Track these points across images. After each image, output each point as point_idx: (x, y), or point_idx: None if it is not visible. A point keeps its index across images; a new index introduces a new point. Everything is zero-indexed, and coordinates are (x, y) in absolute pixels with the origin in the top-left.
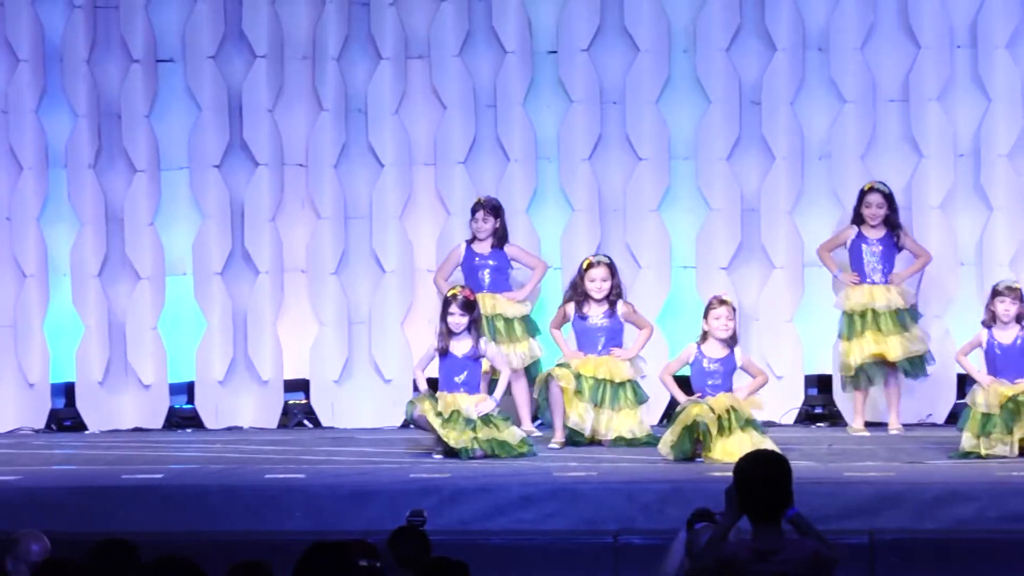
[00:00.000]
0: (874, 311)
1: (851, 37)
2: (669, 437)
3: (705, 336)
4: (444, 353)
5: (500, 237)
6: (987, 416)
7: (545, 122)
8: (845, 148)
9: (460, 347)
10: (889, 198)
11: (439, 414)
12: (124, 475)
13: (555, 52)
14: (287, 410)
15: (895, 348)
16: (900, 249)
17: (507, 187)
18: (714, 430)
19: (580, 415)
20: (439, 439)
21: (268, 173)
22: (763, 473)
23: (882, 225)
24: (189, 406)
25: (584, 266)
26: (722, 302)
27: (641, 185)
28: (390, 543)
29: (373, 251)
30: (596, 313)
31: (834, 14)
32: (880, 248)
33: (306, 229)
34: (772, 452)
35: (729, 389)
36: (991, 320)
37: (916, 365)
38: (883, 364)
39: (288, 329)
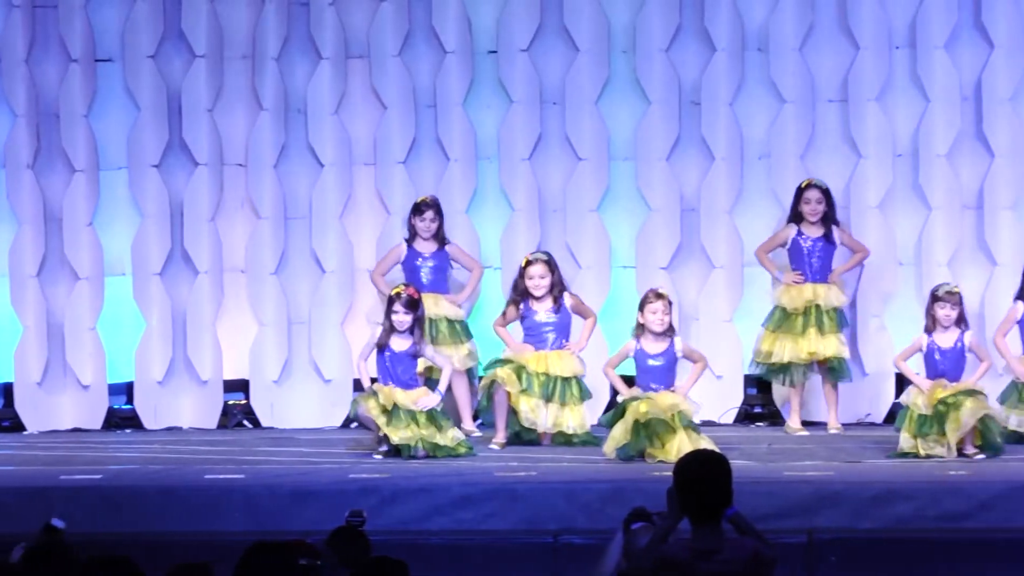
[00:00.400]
0: (817, 307)
1: (790, 38)
2: (618, 435)
3: (642, 329)
4: (382, 348)
5: (441, 237)
6: (924, 417)
7: (485, 122)
8: (784, 148)
9: (398, 344)
10: (827, 194)
11: (384, 411)
12: (63, 476)
13: (495, 52)
14: (227, 410)
15: (832, 346)
16: (837, 246)
17: (447, 187)
18: (662, 428)
19: (532, 410)
20: (380, 438)
21: (207, 173)
22: (703, 473)
23: (821, 223)
24: (128, 406)
25: (523, 264)
26: (658, 295)
27: (581, 185)
28: (330, 543)
29: (313, 251)
30: (542, 309)
31: (773, 15)
32: (820, 245)
33: (246, 229)
34: (712, 452)
35: (672, 382)
36: (932, 325)
37: (840, 369)
38: (813, 363)
39: (227, 329)
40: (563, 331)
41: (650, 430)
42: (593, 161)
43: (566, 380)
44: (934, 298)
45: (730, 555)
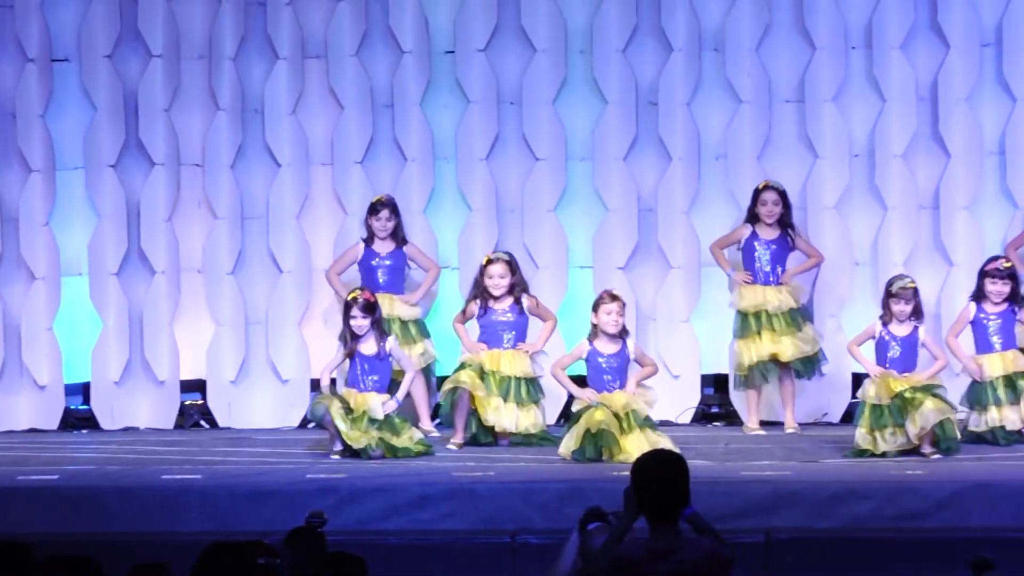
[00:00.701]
0: (767, 311)
1: (746, 38)
2: (570, 441)
3: (595, 331)
4: (352, 355)
5: (399, 237)
6: (879, 409)
7: (442, 122)
8: (741, 148)
9: (366, 348)
10: (784, 196)
11: (348, 412)
12: (19, 476)
13: (452, 52)
14: (183, 411)
15: (788, 348)
16: (792, 249)
17: (404, 187)
18: (617, 434)
19: (495, 411)
20: (338, 438)
21: (164, 173)
22: (660, 473)
23: (777, 225)
24: (85, 407)
25: (484, 263)
26: (613, 297)
27: (538, 185)
28: (287, 543)
29: (270, 251)
30: (500, 309)
31: (730, 15)
32: (774, 248)
33: (202, 229)
34: (669, 451)
35: (624, 383)
36: (888, 318)
37: (808, 365)
38: (776, 364)
39: (184, 329)
40: (520, 332)
41: (601, 440)
42: (550, 161)
43: (519, 380)
44: (888, 293)
45: (687, 555)
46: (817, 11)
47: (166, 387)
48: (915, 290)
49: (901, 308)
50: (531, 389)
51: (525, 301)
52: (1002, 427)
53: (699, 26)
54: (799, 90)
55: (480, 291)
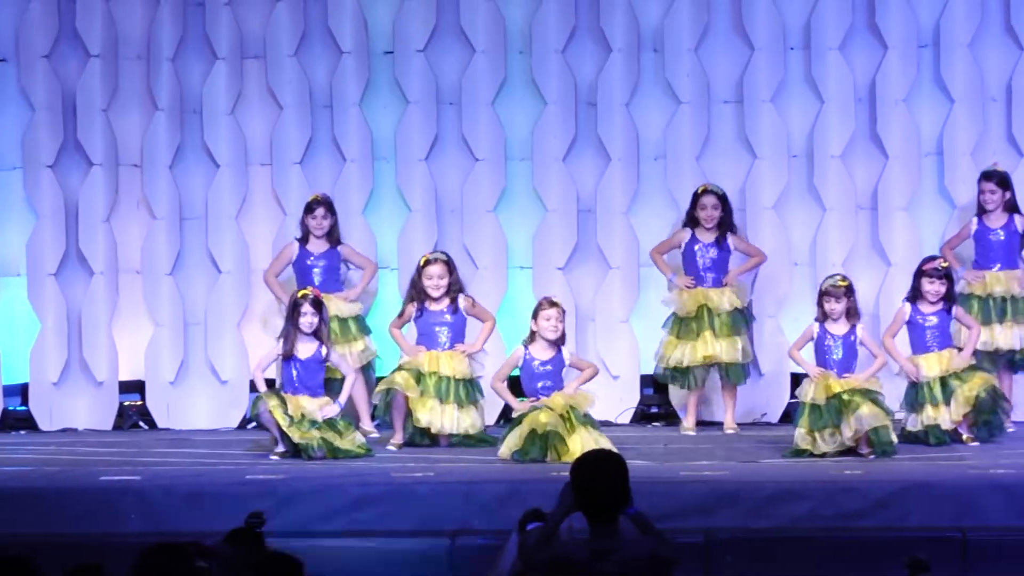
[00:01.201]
0: (709, 311)
1: (685, 38)
2: (512, 442)
3: (533, 337)
4: (289, 356)
5: (334, 237)
6: (818, 409)
7: (381, 123)
8: (680, 149)
9: (305, 350)
10: (723, 200)
11: (286, 414)
12: None
13: (391, 53)
14: (122, 411)
15: (727, 351)
16: (732, 252)
17: (343, 188)
18: (564, 434)
19: (430, 413)
20: (279, 438)
21: (103, 173)
22: (599, 472)
23: (716, 228)
24: (23, 408)
25: (421, 263)
26: (552, 303)
27: (477, 186)
28: (226, 544)
29: (209, 251)
30: (437, 310)
31: (668, 16)
32: (715, 251)
33: (141, 230)
34: (608, 451)
35: (560, 388)
36: (823, 317)
37: (739, 372)
38: (713, 365)
39: (123, 330)
40: (458, 333)
41: (547, 441)
42: (490, 162)
43: (458, 381)
44: (822, 292)
45: (627, 555)
46: (755, 12)
47: (104, 388)
48: (848, 288)
49: (832, 306)
50: (470, 390)
51: (462, 302)
52: (936, 426)
53: (638, 27)
54: (738, 91)
55: (417, 292)
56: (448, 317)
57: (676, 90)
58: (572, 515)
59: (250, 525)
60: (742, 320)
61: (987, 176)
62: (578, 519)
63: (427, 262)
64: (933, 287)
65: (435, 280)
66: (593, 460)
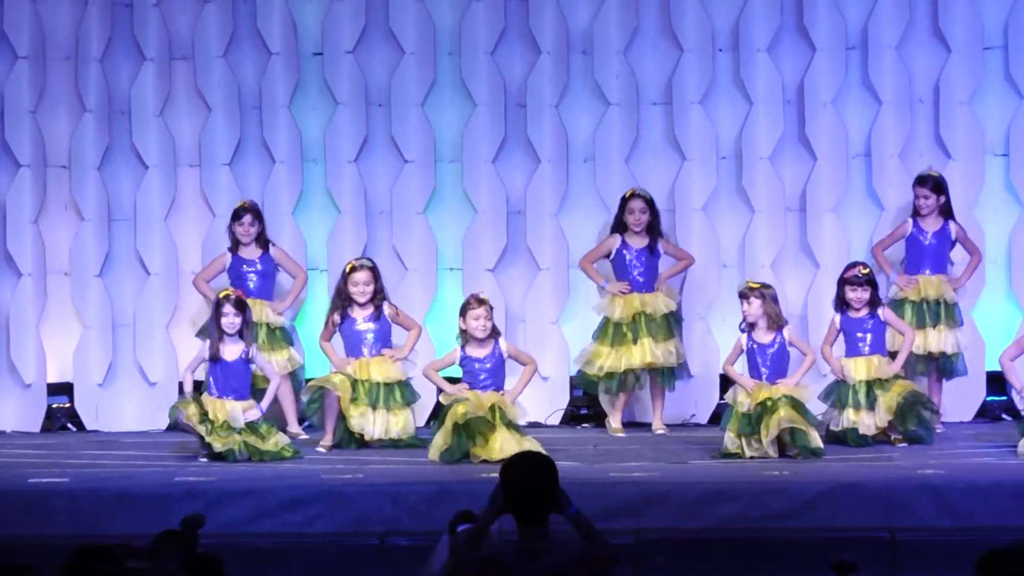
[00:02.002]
0: (644, 316)
1: (614, 40)
2: (440, 440)
3: (465, 336)
4: (215, 359)
5: (263, 241)
6: (746, 416)
7: (311, 124)
8: (609, 151)
9: (231, 352)
10: (651, 204)
11: (204, 419)
12: None
13: (320, 54)
14: (50, 414)
15: (661, 355)
16: (661, 256)
17: (273, 189)
18: (485, 426)
19: (361, 416)
20: (200, 444)
21: (30, 175)
22: (528, 473)
23: (645, 232)
24: None
25: (347, 270)
26: (480, 301)
27: (407, 187)
28: (156, 546)
29: (137, 253)
30: (361, 317)
31: (597, 17)
32: (645, 256)
33: (69, 231)
34: (538, 453)
35: (502, 384)
36: (747, 327)
37: (670, 376)
38: (647, 369)
39: (51, 332)
40: (383, 339)
41: (470, 430)
42: (419, 163)
43: (389, 386)
44: (740, 295)
45: (559, 556)
46: (684, 14)
47: (32, 390)
48: (761, 292)
49: (745, 308)
50: (404, 393)
51: (386, 309)
52: (854, 429)
53: (567, 29)
54: (666, 92)
55: (342, 298)
56: (372, 324)
57: (605, 92)
58: (502, 517)
59: (188, 526)
60: (675, 323)
61: (921, 181)
62: (509, 521)
63: (353, 268)
64: (856, 295)
65: (361, 286)
66: (521, 462)
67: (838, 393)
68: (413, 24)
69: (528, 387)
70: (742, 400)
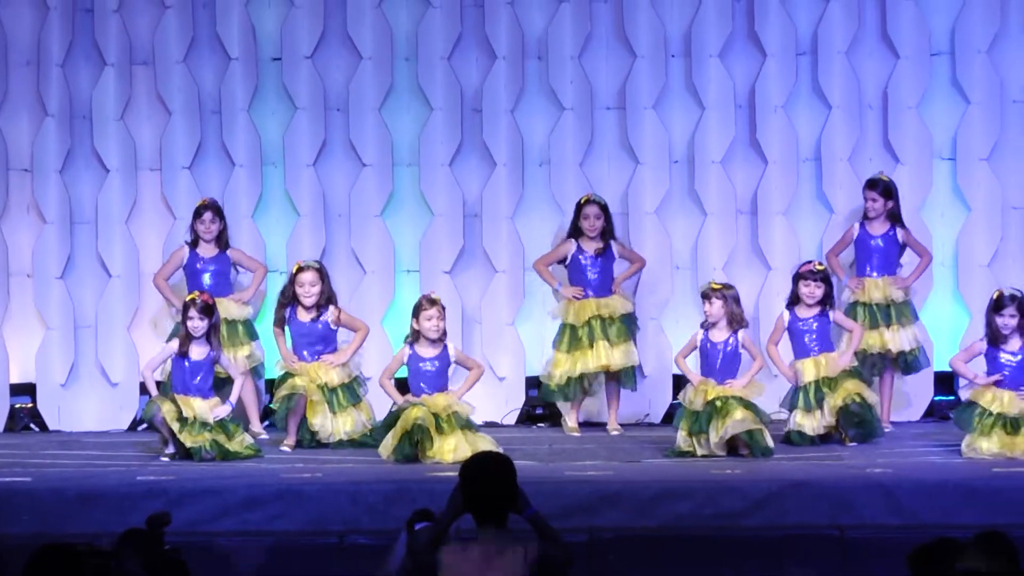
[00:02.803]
0: (601, 320)
1: (568, 46)
2: (389, 441)
3: (416, 336)
4: (183, 356)
5: (223, 241)
6: (697, 414)
7: (270, 128)
8: (564, 155)
9: (197, 352)
10: (605, 209)
11: (179, 417)
12: None
13: (279, 59)
14: (13, 414)
15: (619, 359)
16: (616, 259)
17: (232, 192)
18: (433, 431)
19: (322, 417)
20: (169, 440)
21: None
22: (486, 474)
23: (599, 237)
24: None
25: (294, 271)
26: (432, 302)
27: (365, 191)
28: (120, 544)
29: (99, 255)
30: (307, 318)
31: (552, 24)
32: (600, 260)
33: (31, 234)
34: (497, 454)
35: (445, 386)
36: (706, 322)
37: (630, 376)
38: (604, 372)
39: (14, 333)
40: (328, 341)
41: (414, 437)
42: (377, 167)
43: (333, 389)
44: (703, 296)
45: (514, 557)
46: (637, 20)
47: None
48: (723, 293)
49: (707, 309)
50: (347, 393)
51: (330, 314)
52: (799, 431)
53: (522, 34)
54: (620, 97)
55: (287, 298)
56: (317, 327)
57: (560, 97)
58: (461, 518)
59: (154, 524)
60: (632, 325)
61: (871, 184)
62: (467, 521)
63: (299, 269)
64: (809, 289)
65: (306, 287)
66: (480, 462)
67: (795, 397)
68: (370, 30)
69: (482, 388)
70: (693, 399)
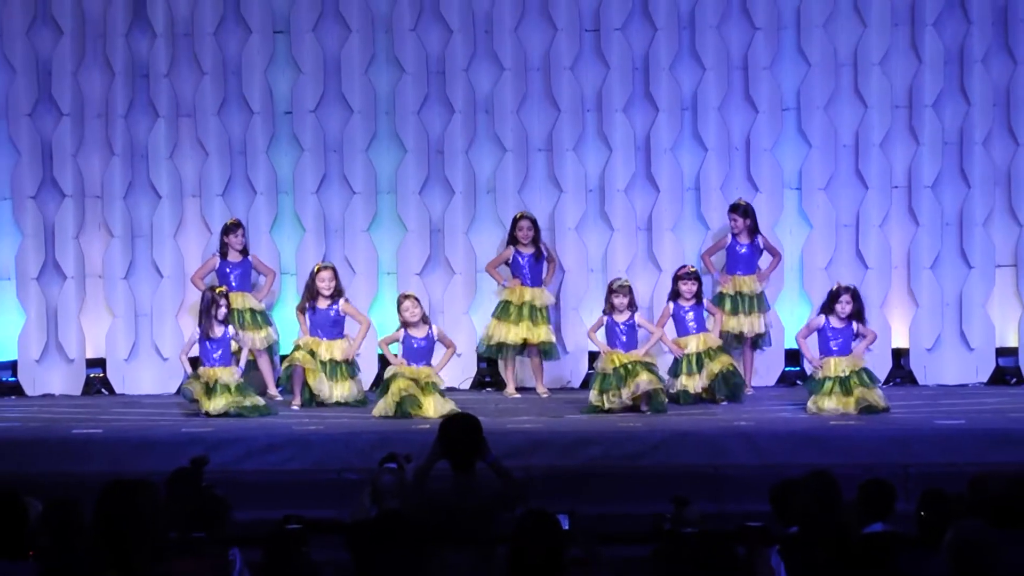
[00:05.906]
0: (530, 306)
1: (509, 102)
2: (382, 405)
3: (404, 323)
4: (207, 337)
5: (245, 250)
6: (607, 377)
7: (283, 165)
8: (506, 185)
9: (218, 332)
10: (534, 222)
11: (207, 390)
12: None
13: (290, 113)
14: (88, 381)
15: (541, 334)
16: (541, 259)
17: (255, 214)
18: (420, 397)
19: (319, 383)
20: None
21: (72, 203)
22: (461, 429)
23: (531, 244)
24: (12, 379)
25: (315, 269)
26: (407, 296)
27: (355, 212)
28: (170, 480)
29: (153, 261)
30: (324, 308)
31: (496, 86)
32: (531, 260)
33: (102, 245)
34: (468, 414)
35: (429, 361)
36: (610, 309)
37: (552, 350)
38: (526, 344)
39: (89, 320)
40: (338, 325)
41: (404, 405)
42: (364, 194)
43: (338, 364)
44: (610, 289)
45: (483, 492)
46: (561, 83)
47: (75, 364)
48: (629, 288)
49: (619, 300)
50: (348, 369)
51: (342, 304)
52: (685, 390)
53: (474, 94)
54: (548, 141)
55: (311, 293)
56: (331, 315)
57: (503, 141)
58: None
59: (196, 464)
60: (551, 312)
61: (733, 208)
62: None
63: (320, 268)
64: (686, 287)
65: (326, 283)
66: (456, 420)
67: (676, 366)
68: (359, 90)
69: (448, 363)
70: (603, 367)
